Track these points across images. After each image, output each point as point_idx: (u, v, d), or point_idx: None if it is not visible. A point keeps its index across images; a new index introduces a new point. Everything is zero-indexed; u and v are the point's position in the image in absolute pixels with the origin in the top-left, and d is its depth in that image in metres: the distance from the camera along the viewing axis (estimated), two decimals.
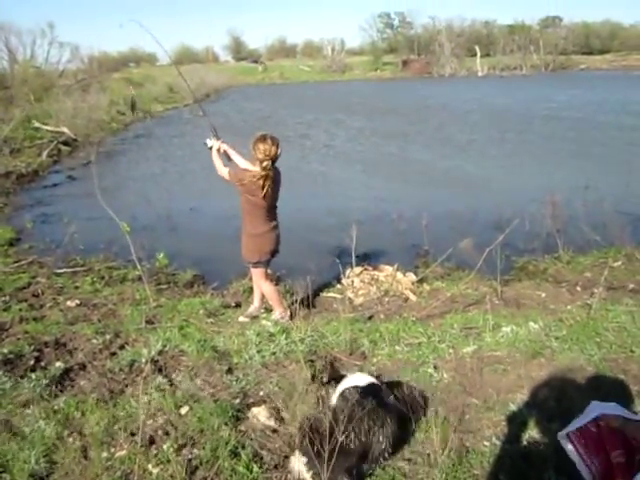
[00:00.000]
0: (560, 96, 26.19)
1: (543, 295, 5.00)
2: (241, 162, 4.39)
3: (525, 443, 2.58)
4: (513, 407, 2.89)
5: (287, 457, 2.43)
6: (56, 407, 2.88)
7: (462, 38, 55.72)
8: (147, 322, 4.26)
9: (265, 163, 4.07)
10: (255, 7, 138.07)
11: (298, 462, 2.27)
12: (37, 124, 15.79)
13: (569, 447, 2.11)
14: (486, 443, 2.61)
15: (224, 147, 4.43)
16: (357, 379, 2.70)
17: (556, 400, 2.86)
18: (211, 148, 4.45)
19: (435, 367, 3.31)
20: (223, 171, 4.32)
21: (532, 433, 2.65)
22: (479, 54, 52.21)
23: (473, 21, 61.76)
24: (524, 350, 3.51)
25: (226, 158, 4.45)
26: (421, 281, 5.44)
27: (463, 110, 22.46)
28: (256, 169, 4.12)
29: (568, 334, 3.66)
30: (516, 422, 2.72)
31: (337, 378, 2.96)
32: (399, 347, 3.61)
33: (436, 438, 2.50)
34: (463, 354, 3.50)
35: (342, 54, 59.56)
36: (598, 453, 2.07)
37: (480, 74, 50.60)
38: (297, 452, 2.31)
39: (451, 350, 3.54)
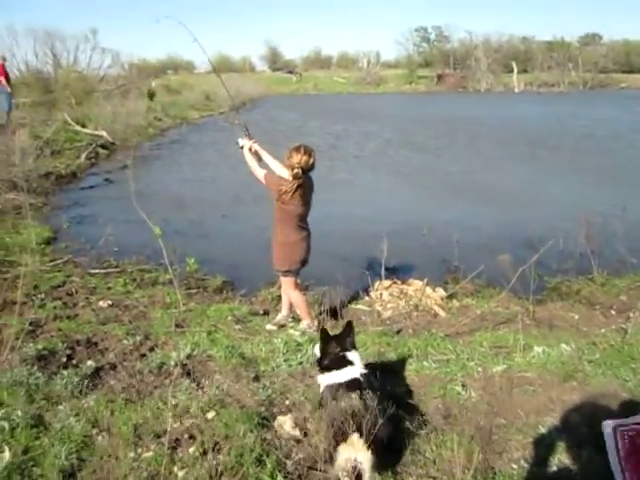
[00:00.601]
0: (597, 114, 25.69)
1: (576, 317, 4.90)
2: (272, 162, 4.44)
3: (555, 468, 2.52)
4: (543, 430, 2.83)
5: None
6: (86, 405, 2.93)
7: (499, 53, 55.26)
8: (176, 326, 4.32)
9: (296, 171, 4.10)
10: (292, 18, 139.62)
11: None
12: (77, 127, 16.22)
13: (610, 442, 2.03)
14: (514, 466, 2.56)
15: (255, 147, 4.48)
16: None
17: (588, 426, 2.79)
18: (242, 147, 4.50)
19: (463, 385, 3.27)
20: (259, 173, 4.34)
21: (562, 458, 2.59)
22: (516, 70, 51.65)
23: (511, 37, 61.16)
24: (555, 372, 3.44)
25: (257, 158, 4.49)
26: (450, 297, 5.38)
27: (496, 125, 22.23)
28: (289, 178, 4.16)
29: (602, 358, 3.58)
30: (545, 446, 2.67)
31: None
32: (427, 363, 3.57)
33: (462, 457, 2.46)
34: (492, 373, 3.44)
35: (377, 67, 59.71)
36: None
37: (516, 90, 50.02)
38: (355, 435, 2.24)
39: (480, 369, 3.49)
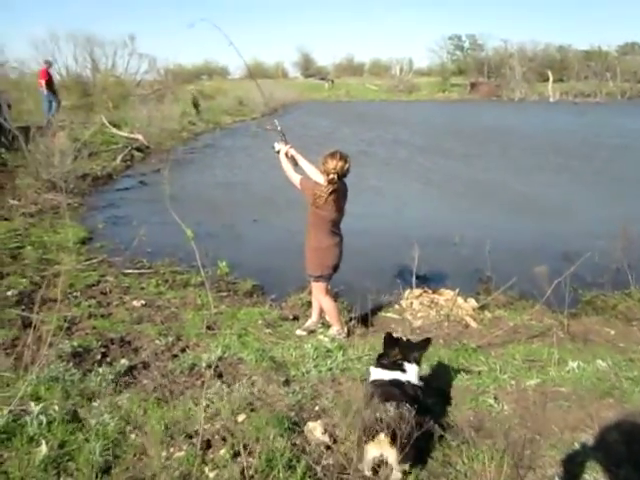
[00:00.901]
0: (635, 125, 25.08)
1: (612, 332, 4.79)
2: (308, 168, 4.44)
3: None
4: (578, 447, 2.76)
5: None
6: (120, 403, 2.98)
7: (534, 62, 54.53)
8: (207, 328, 4.36)
9: (331, 176, 4.12)
10: (325, 25, 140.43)
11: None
12: (114, 130, 16.60)
13: None
14: None
15: (292, 152, 4.50)
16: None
17: (626, 444, 2.71)
18: (279, 152, 4.53)
19: (495, 398, 3.21)
20: (295, 178, 4.37)
21: (598, 477, 2.52)
22: (551, 79, 50.83)
23: (547, 45, 60.31)
24: (591, 388, 3.35)
25: (293, 163, 4.50)
26: (482, 308, 5.31)
27: (530, 134, 21.89)
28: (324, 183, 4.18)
29: None
30: (581, 463, 2.60)
31: None
32: (458, 374, 3.52)
33: (493, 471, 2.42)
34: (525, 387, 3.38)
35: (410, 74, 59.56)
36: None
37: (551, 100, 49.22)
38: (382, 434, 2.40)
39: (513, 382, 3.43)
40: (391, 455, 2.40)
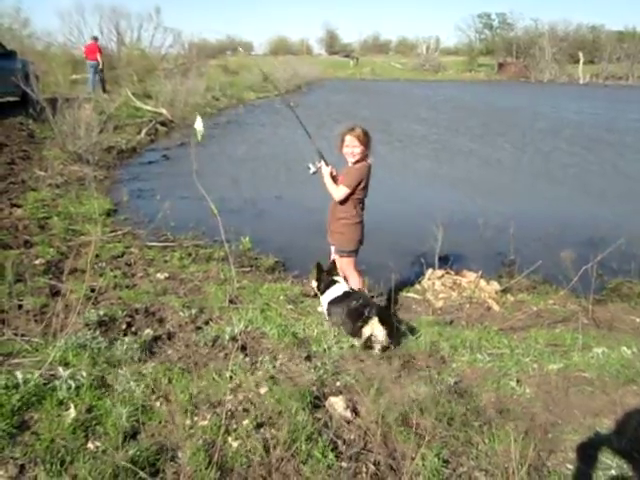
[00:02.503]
0: None
1: (638, 320, 4.71)
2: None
3: (613, 472, 2.44)
4: (601, 432, 2.74)
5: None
6: (145, 371, 3.03)
7: (565, 43, 53.19)
8: (230, 302, 4.40)
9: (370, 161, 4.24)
10: (351, 2, 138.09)
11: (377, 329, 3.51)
12: (139, 104, 16.65)
13: None
14: (569, 466, 2.50)
15: (327, 171, 4.35)
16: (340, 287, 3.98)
17: None
18: (314, 173, 4.37)
19: (518, 381, 3.20)
20: (341, 192, 4.25)
21: (620, 463, 2.51)
22: (582, 60, 49.53)
23: (579, 25, 58.83)
24: (615, 375, 3.32)
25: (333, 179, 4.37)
26: (505, 291, 5.27)
27: (558, 118, 21.45)
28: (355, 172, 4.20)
29: None
30: (604, 448, 2.58)
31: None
32: (480, 356, 3.51)
33: (515, 453, 2.41)
34: (548, 371, 3.36)
35: (436, 53, 58.55)
36: None
37: (581, 81, 48.07)
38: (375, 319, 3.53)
39: (535, 365, 3.41)
40: (381, 333, 3.47)
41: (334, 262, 4.13)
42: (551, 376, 3.30)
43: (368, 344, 3.48)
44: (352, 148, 4.20)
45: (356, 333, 3.55)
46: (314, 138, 4.52)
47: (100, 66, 19.10)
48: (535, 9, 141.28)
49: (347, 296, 3.81)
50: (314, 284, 4.11)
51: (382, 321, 3.49)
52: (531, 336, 4.01)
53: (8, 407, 2.51)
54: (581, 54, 50.12)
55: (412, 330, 3.91)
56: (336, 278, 4.03)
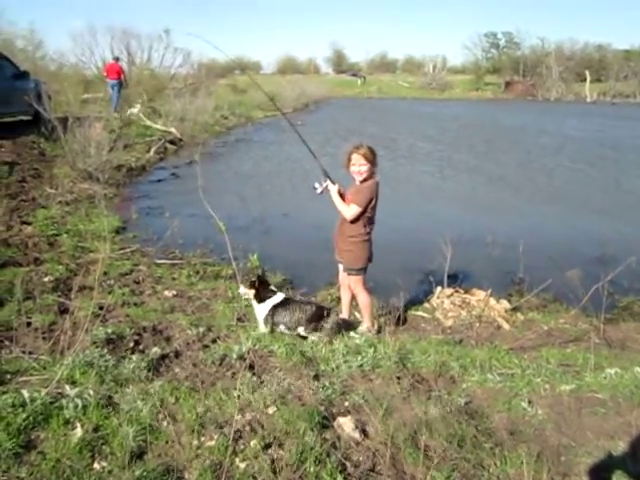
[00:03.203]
0: None
1: None
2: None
3: None
4: (615, 455, 2.68)
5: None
6: (152, 390, 3.00)
7: (572, 61, 53.42)
8: (238, 319, 4.39)
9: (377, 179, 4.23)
10: (358, 21, 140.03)
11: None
12: (148, 122, 16.84)
13: None
14: None
15: (334, 189, 4.33)
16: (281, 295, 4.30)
17: None
18: (322, 193, 4.35)
19: (529, 401, 3.14)
20: (352, 211, 4.23)
21: None
22: (589, 79, 49.66)
23: (585, 44, 59.04)
24: (629, 396, 3.25)
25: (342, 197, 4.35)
26: (515, 310, 5.22)
27: (564, 136, 21.46)
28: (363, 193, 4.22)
29: None
30: (618, 472, 2.52)
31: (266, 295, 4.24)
32: (491, 375, 3.46)
33: (528, 477, 2.37)
34: (560, 391, 3.29)
35: (443, 72, 58.95)
36: None
37: (589, 100, 48.12)
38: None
39: (547, 386, 3.35)
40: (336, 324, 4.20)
41: (263, 273, 4.46)
42: (563, 397, 3.24)
43: (328, 333, 4.12)
44: (359, 166, 4.20)
45: (318, 329, 4.15)
46: (319, 157, 4.53)
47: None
48: (541, 28, 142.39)
49: (291, 302, 4.28)
50: (249, 291, 4.23)
51: (310, 321, 4.15)
52: (542, 356, 3.95)
53: (14, 426, 2.49)
54: (588, 73, 50.28)
55: (421, 349, 3.87)
56: (273, 288, 4.36)
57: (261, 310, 4.22)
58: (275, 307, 4.18)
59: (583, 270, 5.70)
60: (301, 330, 4.16)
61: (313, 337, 4.12)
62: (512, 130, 23.73)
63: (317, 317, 4.17)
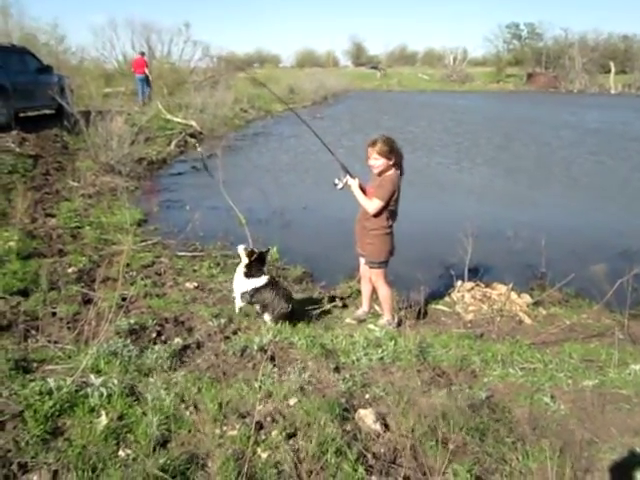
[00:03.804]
0: None
1: None
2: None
3: None
4: (639, 451, 2.64)
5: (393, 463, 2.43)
6: (174, 380, 3.04)
7: (596, 53, 52.35)
8: (258, 312, 4.41)
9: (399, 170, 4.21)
10: (378, 14, 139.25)
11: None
12: (169, 116, 16.95)
13: None
14: None
15: (354, 184, 4.32)
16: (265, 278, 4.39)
17: None
18: (342, 188, 4.34)
19: (552, 396, 3.12)
20: (375, 205, 4.21)
21: None
22: (613, 70, 48.66)
23: (610, 35, 57.87)
24: None
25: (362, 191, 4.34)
26: (536, 304, 5.16)
27: (586, 128, 21.09)
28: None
29: None
30: None
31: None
32: (512, 370, 3.44)
33: (552, 472, 2.35)
34: (583, 387, 3.26)
35: (463, 64, 58.25)
36: None
37: (613, 92, 47.18)
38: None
39: (570, 381, 3.32)
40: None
41: (264, 253, 4.53)
42: (586, 392, 3.20)
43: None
44: (374, 161, 4.21)
45: (286, 309, 4.27)
46: (336, 151, 4.52)
47: (150, 78, 20.61)
48: (565, 19, 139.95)
49: (274, 284, 4.41)
50: (244, 257, 4.38)
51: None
52: (565, 351, 3.92)
53: (42, 413, 2.54)
54: (612, 64, 49.27)
55: (442, 343, 3.86)
56: (264, 270, 4.49)
57: (244, 284, 4.35)
58: (258, 288, 4.29)
59: (606, 264, 5.62)
60: (270, 308, 4.29)
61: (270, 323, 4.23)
62: (531, 122, 23.38)
63: (287, 298, 4.33)
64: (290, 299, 4.37)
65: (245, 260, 4.37)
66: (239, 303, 4.39)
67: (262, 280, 4.34)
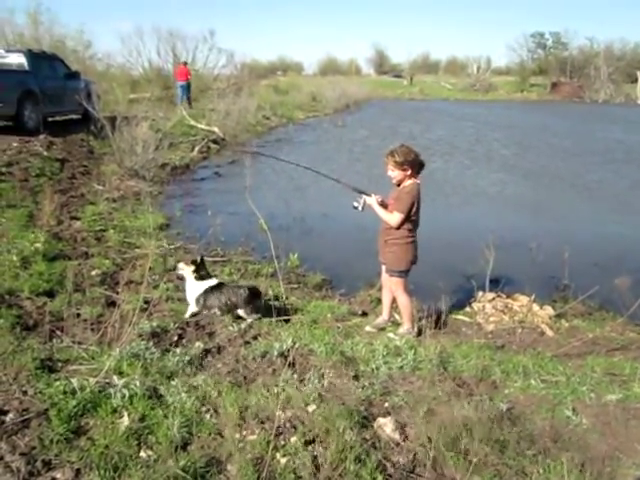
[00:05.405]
0: None
1: None
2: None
3: None
4: None
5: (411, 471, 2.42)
6: (195, 383, 3.08)
7: (622, 62, 51.65)
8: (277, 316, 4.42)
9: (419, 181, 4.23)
10: (401, 22, 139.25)
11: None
12: (192, 122, 17.16)
13: None
14: None
15: (373, 201, 4.37)
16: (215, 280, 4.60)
17: None
18: (363, 209, 4.39)
19: (574, 410, 3.07)
20: (396, 218, 4.24)
21: None
22: None
23: (637, 44, 57.00)
24: None
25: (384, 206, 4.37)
26: (559, 316, 5.10)
27: (611, 139, 20.78)
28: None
29: None
30: None
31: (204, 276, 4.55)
32: (534, 382, 3.40)
33: None
34: (606, 401, 3.21)
35: (487, 73, 57.93)
36: None
37: (639, 102, 46.48)
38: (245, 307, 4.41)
39: (592, 395, 3.27)
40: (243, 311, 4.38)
41: (202, 259, 4.70)
42: (609, 407, 3.15)
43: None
44: (391, 172, 4.29)
45: (256, 310, 4.44)
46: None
47: (191, 86, 22.51)
48: (590, 28, 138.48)
49: (224, 286, 4.54)
50: (188, 268, 4.54)
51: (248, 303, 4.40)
52: (587, 364, 3.86)
53: (66, 412, 2.60)
54: (639, 73, 48.57)
55: (462, 353, 3.83)
56: (210, 273, 4.71)
57: (195, 289, 4.47)
58: (209, 290, 4.43)
59: (630, 276, 5.52)
60: (241, 312, 4.39)
61: (250, 319, 4.32)
62: (556, 132, 23.13)
63: (254, 298, 4.44)
64: (257, 294, 4.54)
65: (191, 267, 4.52)
66: (192, 309, 4.46)
67: (214, 281, 4.53)
